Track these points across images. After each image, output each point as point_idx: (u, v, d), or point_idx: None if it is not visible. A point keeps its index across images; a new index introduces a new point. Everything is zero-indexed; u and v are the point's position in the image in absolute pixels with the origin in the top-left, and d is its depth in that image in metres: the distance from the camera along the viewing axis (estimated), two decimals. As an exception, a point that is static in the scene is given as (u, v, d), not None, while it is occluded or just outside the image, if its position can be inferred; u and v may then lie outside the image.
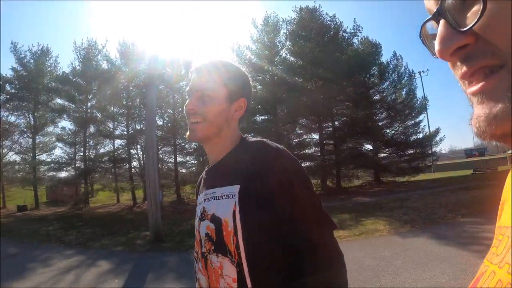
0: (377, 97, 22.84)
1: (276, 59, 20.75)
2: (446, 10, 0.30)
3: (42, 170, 20.77)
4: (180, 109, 19.98)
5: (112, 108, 19.47)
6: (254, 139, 0.89)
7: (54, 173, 20.79)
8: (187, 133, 0.88)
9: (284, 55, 21.17)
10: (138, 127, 19.44)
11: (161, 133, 18.61)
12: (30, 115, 20.73)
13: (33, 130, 20.49)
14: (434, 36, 0.33)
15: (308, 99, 19.55)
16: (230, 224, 0.77)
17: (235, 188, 0.79)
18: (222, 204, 0.80)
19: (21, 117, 20.52)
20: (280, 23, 21.37)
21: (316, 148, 20.93)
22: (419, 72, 36.44)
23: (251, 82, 0.96)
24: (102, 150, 20.31)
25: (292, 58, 21.11)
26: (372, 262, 4.76)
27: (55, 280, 5.35)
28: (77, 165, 20.07)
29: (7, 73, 20.81)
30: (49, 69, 20.81)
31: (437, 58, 0.32)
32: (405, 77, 24.02)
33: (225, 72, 0.89)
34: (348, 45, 21.94)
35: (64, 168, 20.13)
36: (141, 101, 18.47)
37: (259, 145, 0.83)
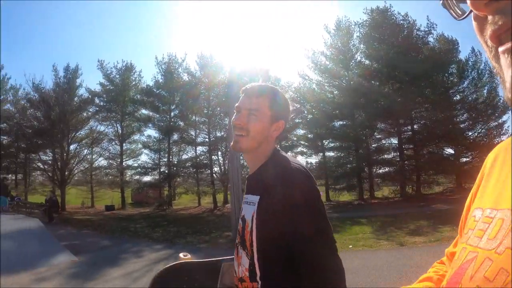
0: (457, 98, 21.56)
1: (351, 63, 20.40)
2: None
3: (129, 174, 22.43)
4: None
5: (194, 117, 20.39)
6: (281, 156, 0.98)
7: (139, 177, 22.33)
8: (231, 143, 1.00)
9: (359, 58, 20.78)
10: (218, 134, 20.17)
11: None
12: (117, 125, 22.49)
13: (120, 138, 22.18)
14: None
15: (385, 103, 19.00)
16: (249, 225, 0.92)
17: (257, 198, 0.93)
18: (248, 209, 0.95)
19: (109, 127, 22.34)
20: (353, 26, 21.02)
21: (395, 153, 20.25)
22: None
23: (290, 107, 1.07)
24: (184, 156, 21.40)
25: (367, 62, 20.62)
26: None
27: (148, 269, 5.91)
28: (161, 170, 21.36)
29: (96, 87, 22.70)
30: (133, 82, 22.41)
31: (461, 19, 0.30)
32: (486, 74, 22.37)
33: (271, 97, 1.01)
34: (423, 44, 20.96)
35: (150, 173, 21.52)
36: (221, 110, 19.13)
37: (279, 164, 0.94)
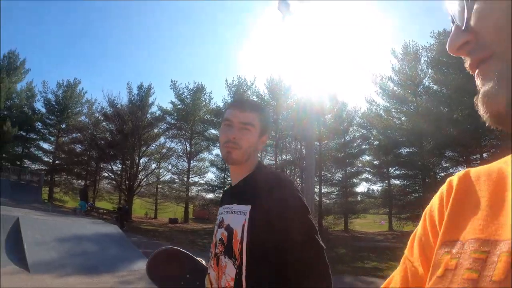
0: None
1: (419, 88, 20.37)
2: (454, 15, 0.36)
3: (194, 190, 23.86)
4: (326, 142, 20.97)
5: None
6: (269, 170, 1.07)
7: (204, 194, 23.68)
8: (223, 154, 1.06)
9: (427, 84, 20.65)
10: (285, 157, 20.95)
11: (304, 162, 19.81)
12: (186, 142, 24.00)
13: (188, 155, 23.67)
14: None
15: (454, 130, 18.77)
16: (239, 234, 0.95)
17: (248, 208, 0.96)
18: (236, 218, 0.98)
19: (179, 144, 23.87)
20: (420, 50, 20.90)
21: (464, 182, 19.90)
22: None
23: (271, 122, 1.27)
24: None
25: (435, 87, 20.46)
26: None
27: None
28: (225, 188, 22.46)
29: (168, 106, 24.39)
30: (203, 103, 23.82)
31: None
32: None
33: (261, 112, 1.09)
34: None
35: (215, 191, 22.77)
36: (289, 133, 19.90)
37: (271, 176, 1.01)
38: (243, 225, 0.96)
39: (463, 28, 0.34)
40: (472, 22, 0.34)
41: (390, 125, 20.25)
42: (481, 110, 0.33)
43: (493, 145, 20.15)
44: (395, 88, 20.50)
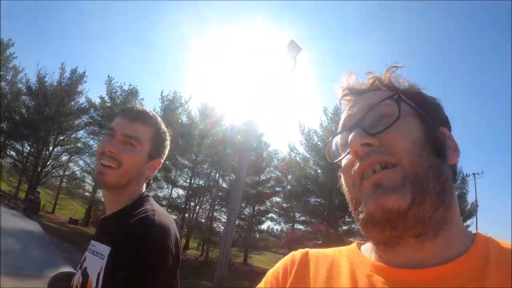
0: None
1: (340, 148, 21.75)
2: (362, 122, 0.45)
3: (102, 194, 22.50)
4: (249, 177, 21.25)
5: (180, 159, 21.00)
6: (144, 207, 0.84)
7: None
8: (95, 174, 0.86)
9: (348, 147, 22.13)
10: (200, 182, 20.80)
11: (221, 193, 19.89)
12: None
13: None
14: (342, 147, 0.50)
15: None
16: (93, 284, 0.77)
17: (107, 250, 0.78)
18: (94, 262, 0.80)
19: (97, 142, 22.45)
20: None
21: (361, 238, 21.37)
22: (473, 174, 29.68)
23: (168, 146, 0.97)
24: (160, 194, 21.72)
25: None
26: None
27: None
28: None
29: (96, 100, 23.08)
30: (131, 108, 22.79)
31: (335, 162, 0.50)
32: (458, 181, 23.96)
33: (155, 128, 0.91)
34: None
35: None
36: (207, 160, 19.89)
37: (138, 215, 0.79)
38: (98, 273, 0.77)
39: (372, 132, 0.41)
40: (383, 129, 0.40)
41: (306, 174, 21.23)
42: (372, 206, 0.39)
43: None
44: (318, 142, 21.69)
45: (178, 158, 20.78)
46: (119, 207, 0.87)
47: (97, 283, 0.77)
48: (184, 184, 20.85)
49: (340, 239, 20.78)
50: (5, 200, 18.00)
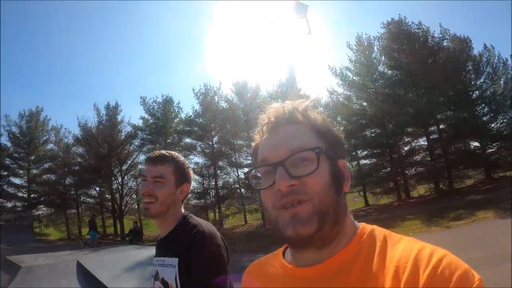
0: (476, 93, 22.80)
1: (375, 75, 21.89)
2: (286, 162, 0.53)
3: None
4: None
5: (235, 141, 22.06)
6: (192, 222, 1.11)
7: (189, 202, 23.93)
8: (143, 211, 1.14)
9: (382, 70, 22.23)
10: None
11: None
12: (163, 155, 24.14)
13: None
14: (264, 175, 0.57)
15: (411, 108, 20.40)
16: (174, 287, 1.01)
17: (175, 261, 1.03)
18: (168, 271, 1.04)
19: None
20: (372, 39, 22.46)
21: (426, 153, 21.64)
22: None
23: (191, 171, 1.23)
24: (229, 179, 23.05)
25: (390, 72, 22.09)
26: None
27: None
28: (209, 193, 23.06)
29: (138, 122, 24.60)
30: (173, 114, 24.19)
31: (259, 189, 0.58)
32: (500, 67, 23.50)
33: (174, 163, 1.14)
34: (439, 49, 22.21)
35: (201, 197, 23.26)
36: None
37: (191, 230, 1.06)
38: (175, 278, 1.02)
39: (295, 175, 0.52)
40: (305, 175, 0.52)
41: (353, 111, 21.64)
42: (290, 232, 0.51)
43: (447, 117, 22.03)
44: (354, 77, 21.93)
45: (232, 140, 21.84)
46: (169, 228, 1.14)
47: (176, 284, 1.00)
48: (248, 162, 21.88)
49: (404, 161, 21.20)
50: (110, 240, 19.99)
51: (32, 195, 28.00)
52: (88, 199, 26.89)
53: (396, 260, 0.49)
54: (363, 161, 23.01)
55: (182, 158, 1.21)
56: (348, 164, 0.69)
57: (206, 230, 1.06)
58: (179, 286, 1.00)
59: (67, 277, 5.03)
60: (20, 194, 28.13)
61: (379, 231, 0.57)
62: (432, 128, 21.95)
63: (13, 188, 28.29)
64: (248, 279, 0.68)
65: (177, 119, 24.23)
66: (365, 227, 0.59)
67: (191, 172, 1.23)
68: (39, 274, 5.10)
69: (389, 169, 21.50)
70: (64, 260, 5.91)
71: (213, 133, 22.61)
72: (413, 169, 21.72)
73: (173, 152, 1.21)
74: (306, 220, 0.51)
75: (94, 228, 15.76)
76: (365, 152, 22.71)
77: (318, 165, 0.53)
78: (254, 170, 0.60)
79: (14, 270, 5.35)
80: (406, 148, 22.09)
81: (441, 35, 22.28)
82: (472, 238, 6.96)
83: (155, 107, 23.98)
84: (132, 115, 47.04)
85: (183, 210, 1.20)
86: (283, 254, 0.64)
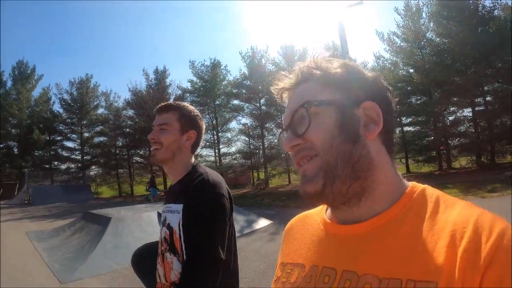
0: (526, 66, 22.42)
1: (423, 42, 21.97)
2: (291, 124, 0.54)
3: (228, 159, 25.86)
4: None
5: (281, 104, 22.95)
6: (199, 171, 1.14)
7: (236, 161, 25.46)
8: (150, 157, 1.19)
9: (430, 36, 22.24)
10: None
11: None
12: (210, 117, 25.68)
13: (216, 128, 25.48)
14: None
15: (459, 78, 20.47)
16: (178, 232, 1.07)
17: (180, 207, 1.09)
18: (174, 217, 1.10)
19: (204, 119, 25.40)
20: (421, 5, 22.37)
21: (470, 124, 21.79)
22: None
23: (202, 120, 1.27)
24: (276, 140, 24.11)
25: (438, 39, 22.07)
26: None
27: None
28: (256, 153, 24.30)
29: (187, 85, 25.95)
30: (221, 76, 25.38)
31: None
32: None
33: (178, 111, 1.20)
34: (490, 17, 21.84)
35: (247, 157, 24.64)
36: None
37: (196, 178, 1.10)
38: (179, 223, 1.07)
39: (298, 134, 0.52)
40: (304, 131, 0.52)
41: (399, 78, 21.98)
42: (301, 190, 0.53)
43: (494, 90, 21.90)
44: (401, 43, 22.11)
45: (279, 102, 22.70)
46: (179, 176, 1.19)
47: (179, 231, 1.07)
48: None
49: (448, 131, 21.40)
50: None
51: (85, 157, 30.42)
52: (139, 159, 28.65)
53: (452, 224, 0.43)
54: (406, 128, 23.46)
55: (190, 107, 1.25)
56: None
57: (210, 179, 1.09)
58: (182, 232, 1.06)
59: (152, 225, 5.93)
60: (73, 157, 30.65)
61: (431, 191, 0.51)
62: (479, 100, 21.84)
63: (67, 151, 30.86)
64: (289, 231, 0.69)
65: (225, 81, 25.40)
66: (415, 186, 0.53)
67: (199, 120, 1.25)
68: (128, 224, 5.92)
69: (432, 138, 21.84)
70: (145, 210, 6.64)
71: (260, 95, 23.67)
72: (456, 140, 21.97)
73: (180, 102, 1.25)
74: (312, 177, 0.52)
75: (154, 186, 16.58)
76: (410, 119, 23.12)
77: (310, 120, 0.51)
78: (281, 135, 0.64)
79: (104, 221, 6.02)
80: (450, 118, 22.28)
81: (492, 4, 21.86)
82: (501, 209, 7.01)
83: (204, 70, 25.17)
84: (180, 79, 48.94)
85: (193, 160, 1.23)
86: (327, 209, 0.63)
